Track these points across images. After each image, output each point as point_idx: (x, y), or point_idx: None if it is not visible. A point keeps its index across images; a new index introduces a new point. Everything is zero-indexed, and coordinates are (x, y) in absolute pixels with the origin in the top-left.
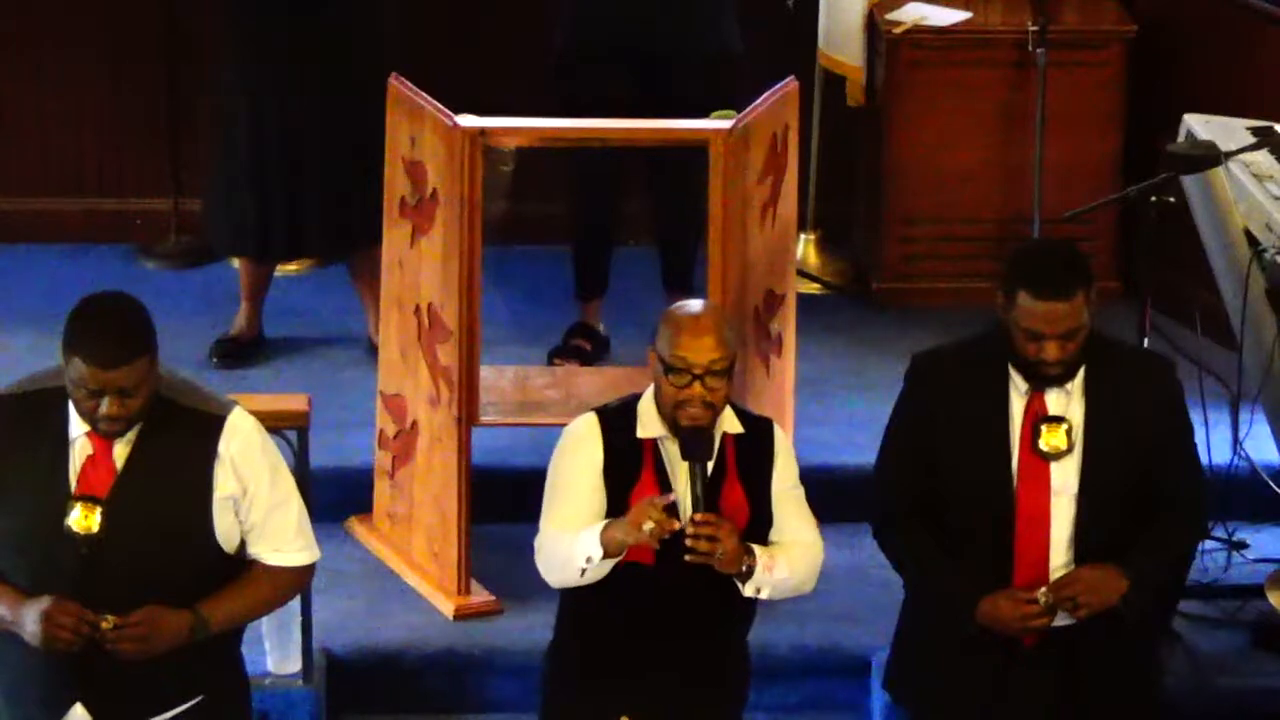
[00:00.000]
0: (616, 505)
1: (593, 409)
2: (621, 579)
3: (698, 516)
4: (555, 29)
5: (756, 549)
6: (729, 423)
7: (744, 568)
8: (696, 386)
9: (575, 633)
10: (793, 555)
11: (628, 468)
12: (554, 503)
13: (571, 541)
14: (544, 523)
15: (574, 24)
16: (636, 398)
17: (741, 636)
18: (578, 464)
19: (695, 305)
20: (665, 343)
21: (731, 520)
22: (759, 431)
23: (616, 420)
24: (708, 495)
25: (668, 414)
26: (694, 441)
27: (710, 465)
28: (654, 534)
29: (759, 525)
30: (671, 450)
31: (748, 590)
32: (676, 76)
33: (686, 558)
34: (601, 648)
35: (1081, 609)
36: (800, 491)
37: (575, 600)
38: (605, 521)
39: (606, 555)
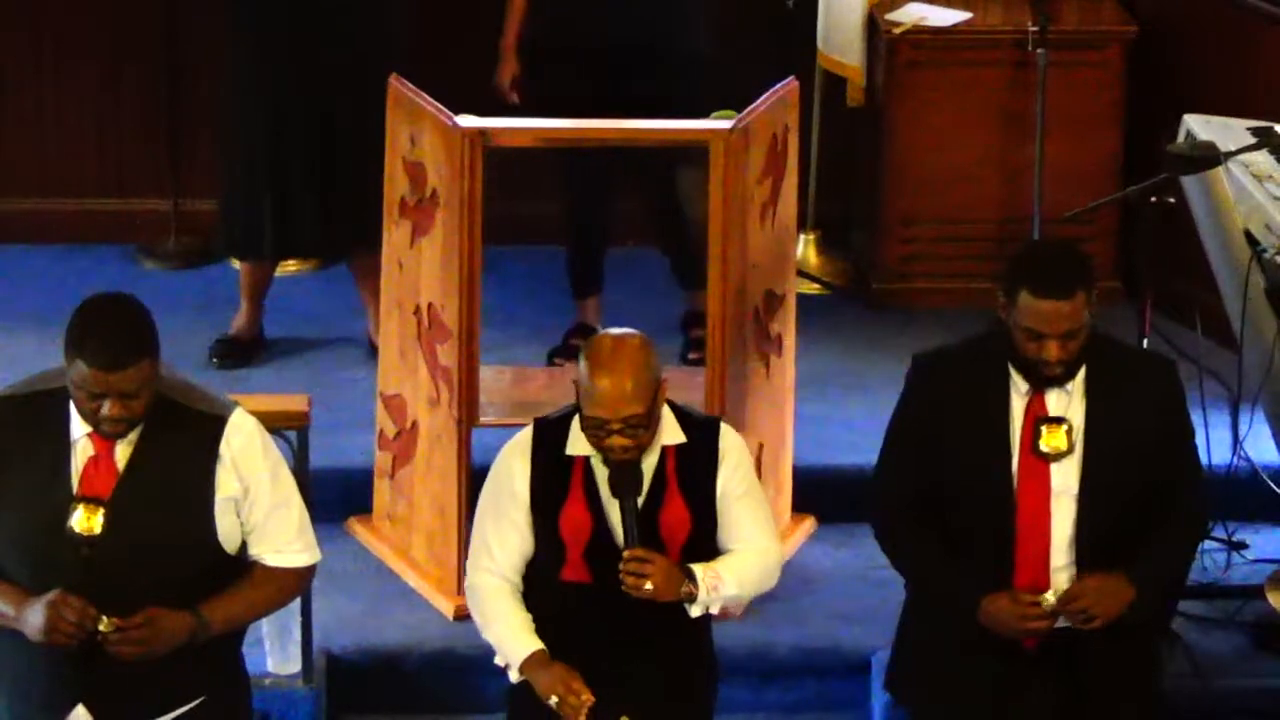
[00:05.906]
0: (545, 529)
1: (536, 417)
2: (565, 595)
3: (627, 553)
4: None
5: (698, 571)
6: (669, 433)
7: (684, 592)
8: (615, 438)
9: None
10: (741, 566)
11: (555, 488)
12: (482, 536)
13: (499, 633)
14: (474, 556)
15: (535, 21)
16: (576, 408)
17: (702, 641)
18: (504, 491)
19: (612, 346)
20: (581, 390)
21: (671, 537)
22: (704, 436)
23: (550, 435)
24: (645, 514)
25: (595, 446)
26: (621, 479)
27: (648, 481)
28: (559, 708)
29: (704, 536)
30: (602, 470)
31: (695, 611)
32: (637, 76)
33: (622, 588)
34: (560, 658)
35: (1096, 619)
36: (755, 493)
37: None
38: (531, 654)
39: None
